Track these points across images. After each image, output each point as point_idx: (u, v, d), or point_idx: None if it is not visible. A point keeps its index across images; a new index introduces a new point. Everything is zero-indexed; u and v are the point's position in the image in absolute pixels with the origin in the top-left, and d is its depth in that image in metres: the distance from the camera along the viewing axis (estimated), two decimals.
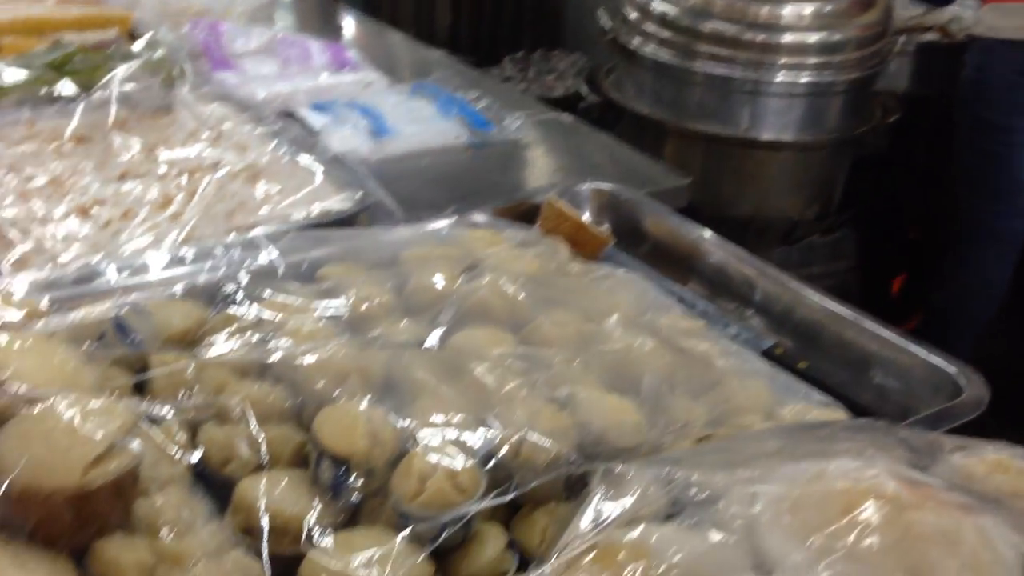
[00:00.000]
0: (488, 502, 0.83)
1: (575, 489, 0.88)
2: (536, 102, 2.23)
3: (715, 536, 0.69)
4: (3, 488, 0.75)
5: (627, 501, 0.76)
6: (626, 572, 0.65)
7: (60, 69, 1.80)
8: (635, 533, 0.70)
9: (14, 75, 1.73)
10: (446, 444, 0.87)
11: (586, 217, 1.50)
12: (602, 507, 0.76)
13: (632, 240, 1.49)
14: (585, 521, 0.75)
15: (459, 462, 0.85)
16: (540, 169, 1.82)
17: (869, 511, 0.65)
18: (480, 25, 4.43)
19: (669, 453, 0.90)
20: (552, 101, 2.62)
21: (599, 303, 1.15)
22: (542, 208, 1.44)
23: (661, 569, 0.64)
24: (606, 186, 1.56)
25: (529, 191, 1.70)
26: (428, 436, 0.88)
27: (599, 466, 0.82)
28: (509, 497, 0.84)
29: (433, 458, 0.85)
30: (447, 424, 0.89)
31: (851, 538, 0.63)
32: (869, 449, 0.76)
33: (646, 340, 1.07)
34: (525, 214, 1.47)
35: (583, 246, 1.40)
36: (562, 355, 1.02)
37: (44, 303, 0.98)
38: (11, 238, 1.30)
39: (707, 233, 1.46)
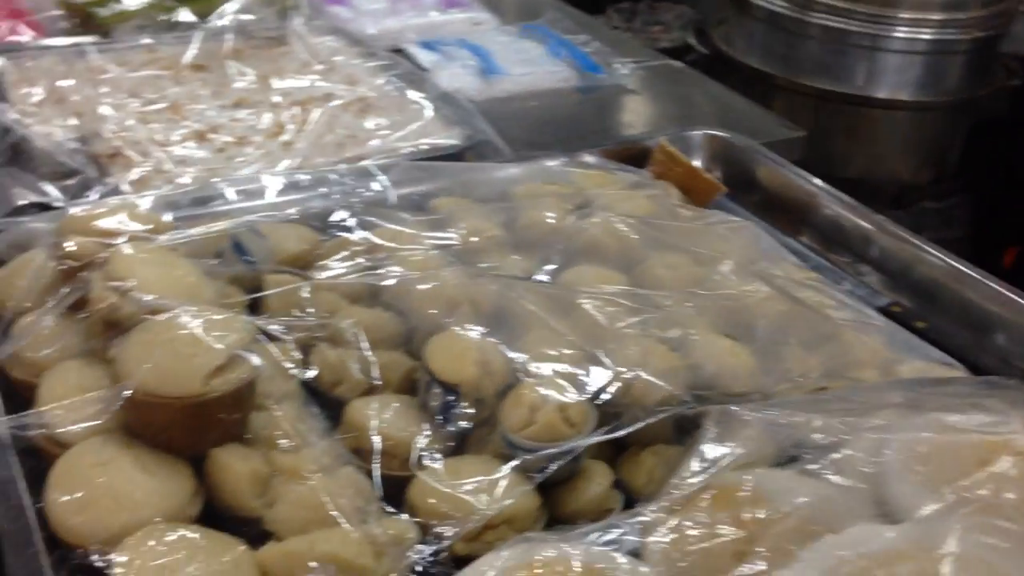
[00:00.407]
0: (597, 437, 0.82)
1: (684, 431, 0.87)
2: (645, 48, 2.19)
3: (837, 482, 0.67)
4: (128, 392, 0.77)
5: (741, 444, 0.75)
6: (745, 516, 0.64)
7: None
8: (753, 477, 0.68)
9: (136, 1, 1.76)
10: (557, 377, 0.86)
11: (697, 163, 1.47)
12: (716, 449, 0.75)
13: (743, 189, 1.45)
14: (698, 461, 0.74)
15: (570, 396, 0.84)
16: (649, 115, 1.79)
17: (1006, 465, 0.62)
18: None
19: (784, 399, 0.87)
20: (658, 52, 2.57)
21: (711, 248, 1.12)
22: (654, 152, 1.41)
23: (782, 514, 0.63)
24: (720, 133, 1.52)
25: (640, 135, 1.67)
26: (539, 368, 0.87)
27: (712, 408, 0.81)
28: (619, 434, 0.83)
29: (544, 390, 0.84)
30: (558, 358, 0.88)
31: (986, 491, 0.61)
32: (1000, 405, 0.73)
33: (760, 287, 1.04)
34: (634, 157, 1.44)
35: (694, 192, 1.37)
36: (674, 297, 1.00)
37: (167, 219, 1.00)
38: (131, 157, 1.33)
39: (822, 185, 1.41)
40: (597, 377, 0.86)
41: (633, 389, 0.86)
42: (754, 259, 1.14)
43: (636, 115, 1.78)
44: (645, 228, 1.11)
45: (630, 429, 0.83)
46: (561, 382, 0.85)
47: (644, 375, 0.87)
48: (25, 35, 1.66)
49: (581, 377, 0.86)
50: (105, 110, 1.44)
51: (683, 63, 2.26)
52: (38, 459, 0.81)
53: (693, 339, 0.93)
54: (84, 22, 1.75)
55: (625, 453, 0.89)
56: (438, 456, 0.82)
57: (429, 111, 1.52)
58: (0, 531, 0.74)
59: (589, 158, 1.33)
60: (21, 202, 1.15)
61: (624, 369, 0.87)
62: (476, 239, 1.09)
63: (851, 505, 0.64)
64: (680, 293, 1.01)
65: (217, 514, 0.79)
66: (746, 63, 2.58)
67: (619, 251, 1.08)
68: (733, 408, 0.78)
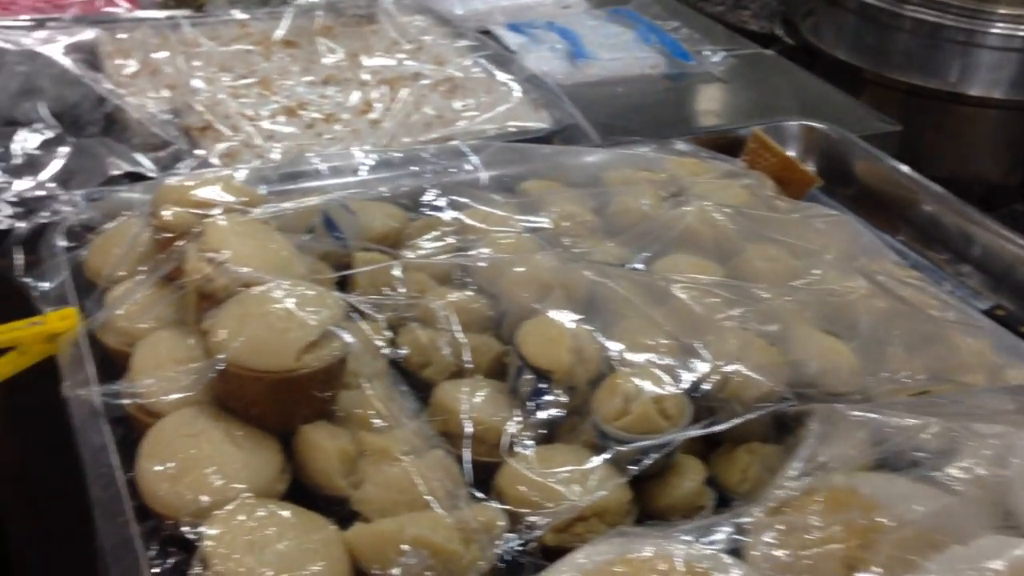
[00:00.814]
0: (694, 432, 0.80)
1: (782, 430, 0.84)
2: (734, 35, 2.14)
3: (955, 492, 0.64)
4: (220, 365, 0.77)
5: (847, 446, 0.72)
6: (859, 522, 0.60)
7: None
8: (866, 481, 0.65)
9: None
10: (652, 368, 0.83)
11: (791, 155, 1.43)
12: (822, 450, 0.71)
13: (838, 182, 1.41)
14: (803, 462, 0.71)
15: (666, 387, 0.81)
16: (739, 104, 1.74)
17: None
18: None
19: (892, 401, 0.84)
20: (746, 36, 2.52)
21: (810, 241, 1.09)
22: (747, 141, 1.37)
23: (900, 522, 0.60)
24: (816, 124, 1.48)
25: (732, 124, 1.63)
26: (634, 358, 0.85)
27: (817, 407, 0.77)
28: (716, 430, 0.80)
29: (639, 381, 0.81)
30: (654, 348, 0.86)
31: None
32: None
33: (861, 283, 1.01)
34: (726, 147, 1.41)
35: (788, 184, 1.33)
36: (772, 290, 0.96)
37: (262, 192, 1.00)
38: (221, 131, 1.33)
39: (923, 180, 1.36)
40: (694, 369, 0.84)
41: (731, 383, 0.84)
42: (854, 254, 1.10)
43: (726, 104, 1.74)
44: (742, 218, 1.08)
45: (728, 425, 0.81)
46: (657, 372, 0.83)
47: (743, 369, 0.84)
48: (120, 7, 1.67)
49: (678, 368, 0.84)
50: (197, 83, 1.45)
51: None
52: (129, 428, 0.81)
53: (793, 334, 0.90)
54: None
55: (719, 449, 0.86)
56: (529, 443, 0.80)
57: (517, 93, 1.50)
58: (92, 499, 0.74)
59: (681, 145, 1.30)
60: (115, 172, 1.16)
61: (722, 362, 0.84)
62: (568, 224, 1.07)
63: (975, 516, 0.61)
64: (779, 287, 0.98)
65: (304, 491, 0.78)
66: (834, 55, 2.51)
67: (715, 241, 1.04)
68: (840, 408, 0.75)
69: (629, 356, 0.85)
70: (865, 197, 1.39)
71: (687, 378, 0.83)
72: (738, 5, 3.57)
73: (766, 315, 0.92)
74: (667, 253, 1.03)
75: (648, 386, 0.81)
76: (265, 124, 1.37)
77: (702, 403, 0.83)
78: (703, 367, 0.84)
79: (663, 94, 1.75)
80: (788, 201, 1.21)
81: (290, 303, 0.79)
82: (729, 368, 0.83)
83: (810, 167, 1.39)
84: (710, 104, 1.74)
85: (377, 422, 0.80)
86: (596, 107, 1.65)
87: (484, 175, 1.14)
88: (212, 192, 0.93)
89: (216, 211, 0.91)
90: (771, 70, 1.92)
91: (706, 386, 0.83)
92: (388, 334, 0.89)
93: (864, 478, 0.66)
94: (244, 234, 0.88)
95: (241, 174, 1.03)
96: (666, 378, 0.82)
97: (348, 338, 0.80)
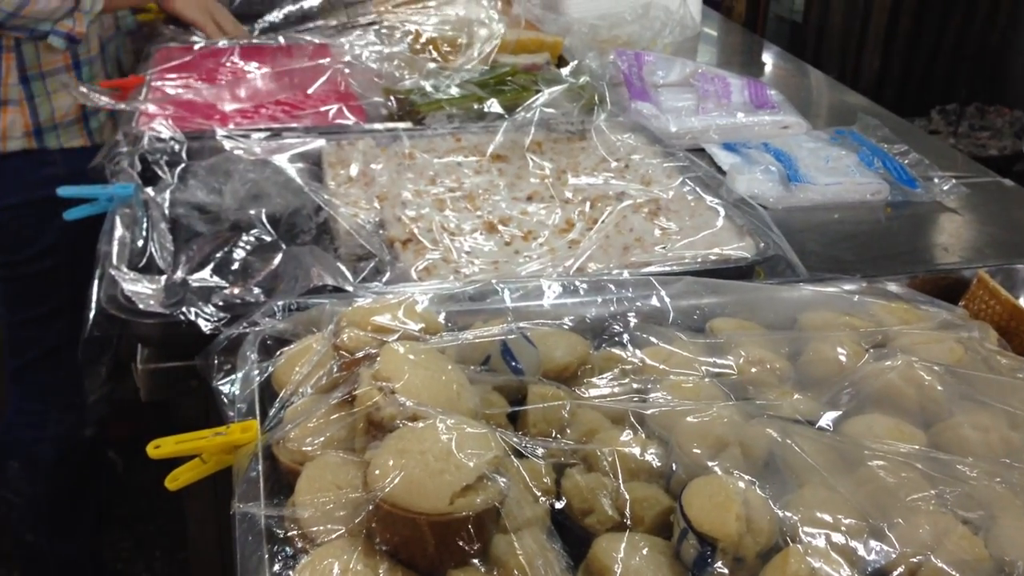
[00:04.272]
0: None
1: None
2: (969, 161, 2.00)
3: None
4: (376, 500, 0.76)
5: None
6: None
7: (492, 88, 1.90)
8: None
9: (451, 91, 1.84)
10: (831, 548, 0.76)
11: (1023, 302, 1.30)
12: None
13: None
14: None
15: (844, 573, 0.74)
16: (968, 239, 1.62)
17: None
18: (910, 72, 4.13)
19: None
20: (982, 160, 2.35)
21: None
22: (971, 285, 1.26)
23: None
24: None
25: (956, 263, 1.51)
26: (811, 535, 0.77)
27: None
28: None
29: (814, 562, 0.74)
30: (834, 525, 0.78)
31: None
32: None
33: None
34: (947, 289, 1.30)
35: (1016, 336, 1.21)
36: (981, 467, 0.86)
37: (441, 318, 1.01)
38: (423, 244, 1.37)
39: None
40: (879, 555, 0.76)
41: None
42: None
43: (954, 238, 1.62)
44: (952, 379, 0.98)
45: None
46: (835, 555, 0.75)
47: (936, 561, 0.75)
48: (349, 119, 1.78)
49: (860, 552, 0.76)
50: (407, 195, 1.50)
51: (1010, 175, 2.06)
52: (286, 544, 0.82)
53: (1001, 523, 0.80)
54: (403, 108, 1.85)
55: None
56: None
57: (721, 219, 1.45)
58: None
59: (893, 287, 1.21)
60: (317, 283, 1.21)
61: (913, 551, 0.76)
62: (755, 370, 1.01)
63: None
64: (990, 463, 0.87)
65: None
66: None
67: (919, 403, 0.95)
68: None
69: (806, 531, 0.78)
70: None
71: (870, 565, 0.75)
72: (976, 126, 3.37)
73: (971, 498, 0.82)
74: (862, 412, 0.95)
75: (824, 569, 0.74)
76: (465, 239, 1.39)
77: None
78: (888, 553, 0.75)
79: (883, 225, 1.65)
80: (1013, 358, 1.10)
81: (451, 442, 0.78)
82: (918, 558, 0.75)
83: None
84: (935, 238, 1.62)
85: (527, 574, 0.77)
86: (808, 235, 1.59)
87: (672, 311, 1.10)
88: (392, 317, 0.95)
89: (393, 337, 0.92)
90: (1010, 201, 1.78)
91: None
92: (549, 479, 0.86)
93: None
94: (418, 364, 0.88)
95: (425, 296, 1.04)
96: (844, 563, 0.74)
97: (503, 484, 0.78)
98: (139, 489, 2.63)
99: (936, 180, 1.76)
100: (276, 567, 0.78)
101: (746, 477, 0.82)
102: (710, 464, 0.85)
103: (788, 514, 0.80)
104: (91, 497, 2.22)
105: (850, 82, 2.91)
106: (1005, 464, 0.88)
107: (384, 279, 1.28)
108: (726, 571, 0.77)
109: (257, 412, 0.96)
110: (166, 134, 1.59)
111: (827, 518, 0.79)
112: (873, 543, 0.76)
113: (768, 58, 2.72)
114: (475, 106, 1.84)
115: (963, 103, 3.78)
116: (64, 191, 1.40)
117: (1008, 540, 0.78)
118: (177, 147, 1.58)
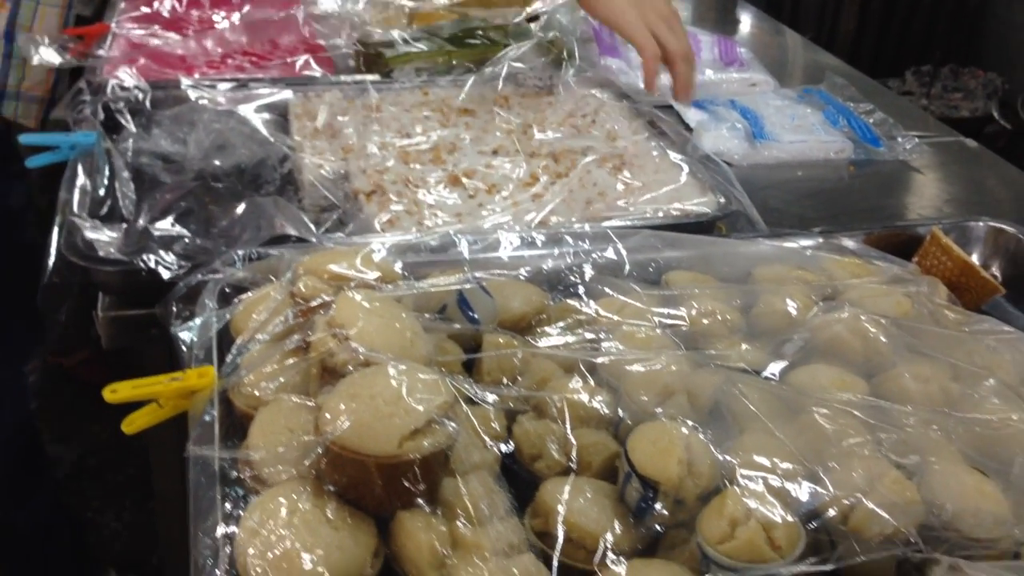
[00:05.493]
0: (804, 567, 0.74)
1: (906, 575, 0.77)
2: (935, 122, 2.02)
3: None
4: (326, 443, 0.78)
5: None
6: None
7: (460, 43, 1.89)
8: None
9: (419, 44, 1.84)
10: (767, 490, 0.78)
11: (975, 259, 1.33)
12: None
13: None
14: None
15: (778, 514, 0.76)
16: (928, 197, 1.64)
17: None
18: (886, 34, 4.14)
19: None
20: (953, 122, 2.38)
21: (974, 362, 1.00)
22: (925, 241, 1.29)
23: None
24: (1006, 226, 1.37)
25: (911, 220, 1.54)
26: (748, 477, 0.80)
27: (940, 558, 0.70)
28: (828, 568, 0.74)
29: (750, 503, 0.77)
30: (772, 468, 0.81)
31: None
32: None
33: None
34: (902, 245, 1.33)
35: (966, 292, 1.24)
36: (919, 415, 0.89)
37: (398, 267, 1.02)
38: (388, 197, 1.37)
39: None
40: (812, 497, 0.78)
41: (852, 518, 0.77)
42: None
43: (914, 197, 1.64)
44: (898, 331, 1.00)
45: (841, 564, 0.74)
46: (770, 497, 0.78)
47: (868, 503, 0.77)
48: (316, 71, 1.77)
49: (794, 494, 0.79)
50: (372, 148, 1.50)
51: (979, 137, 2.08)
52: (239, 485, 0.84)
53: (934, 469, 0.83)
54: (370, 61, 1.84)
55: None
56: (623, 560, 0.77)
57: (684, 175, 1.47)
58: (191, 562, 0.77)
59: (848, 242, 1.23)
60: (279, 232, 1.21)
61: (846, 492, 0.78)
62: (707, 321, 1.03)
63: None
64: (927, 411, 0.90)
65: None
66: None
67: (863, 354, 0.98)
68: (964, 564, 0.67)
69: (743, 474, 0.80)
70: None
71: (803, 506, 0.78)
72: (949, 87, 3.39)
73: (906, 444, 0.85)
74: (808, 362, 0.97)
75: (759, 510, 0.77)
76: (430, 192, 1.40)
77: (818, 536, 0.77)
78: (822, 496, 0.78)
79: (845, 182, 1.67)
80: (960, 313, 1.12)
81: (401, 387, 0.80)
82: (851, 500, 0.77)
83: (993, 274, 1.29)
84: (895, 196, 1.64)
85: (472, 516, 0.79)
86: (770, 191, 1.60)
87: (628, 263, 1.11)
88: (349, 266, 0.96)
89: (350, 285, 0.93)
90: (972, 162, 1.80)
91: (824, 517, 0.77)
92: (498, 426, 0.88)
93: None
94: (373, 311, 0.89)
95: (384, 247, 1.05)
96: (779, 504, 0.77)
97: (453, 429, 0.79)
98: (107, 440, 2.65)
99: (900, 139, 1.78)
100: (227, 507, 0.80)
101: (689, 423, 0.85)
102: (656, 411, 0.87)
103: (728, 458, 0.82)
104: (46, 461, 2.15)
105: (826, 43, 2.91)
106: (942, 412, 0.90)
107: (347, 230, 1.29)
108: (666, 513, 0.80)
109: (215, 358, 0.97)
110: (130, 83, 1.59)
111: (765, 462, 0.81)
112: (808, 485, 0.79)
113: (744, 16, 2.72)
114: (442, 60, 1.84)
115: (938, 64, 3.79)
116: (26, 139, 1.40)
117: (940, 484, 0.81)
118: (141, 96, 1.57)
